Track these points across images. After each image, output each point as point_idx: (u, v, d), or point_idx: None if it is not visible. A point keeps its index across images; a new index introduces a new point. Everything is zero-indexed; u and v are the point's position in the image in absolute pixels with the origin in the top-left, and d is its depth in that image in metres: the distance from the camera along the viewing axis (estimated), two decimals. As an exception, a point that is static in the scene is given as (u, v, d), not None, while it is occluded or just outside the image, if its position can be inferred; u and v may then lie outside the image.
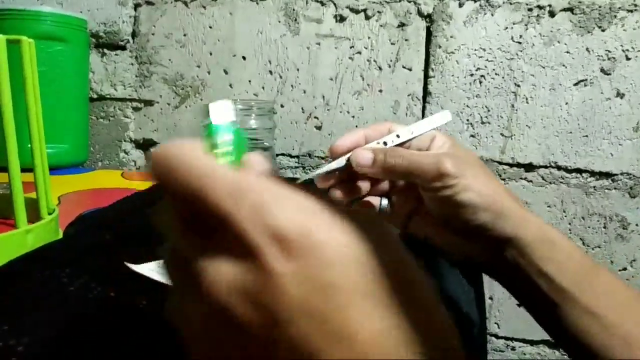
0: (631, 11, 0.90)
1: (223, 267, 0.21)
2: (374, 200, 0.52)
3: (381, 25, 0.98)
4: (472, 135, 0.98)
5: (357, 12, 0.99)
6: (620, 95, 0.92)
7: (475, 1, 0.95)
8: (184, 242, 0.23)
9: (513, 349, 1.04)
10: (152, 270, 0.42)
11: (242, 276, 0.21)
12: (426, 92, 0.99)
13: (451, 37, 0.96)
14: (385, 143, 0.49)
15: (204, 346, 0.22)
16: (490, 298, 1.02)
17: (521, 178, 0.98)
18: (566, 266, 0.44)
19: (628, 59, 0.91)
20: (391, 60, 0.99)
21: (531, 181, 0.98)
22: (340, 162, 0.48)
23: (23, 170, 0.48)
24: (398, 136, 0.49)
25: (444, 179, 0.44)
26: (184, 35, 1.06)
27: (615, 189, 0.95)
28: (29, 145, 0.50)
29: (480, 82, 0.96)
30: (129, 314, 0.35)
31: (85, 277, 0.41)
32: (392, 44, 0.99)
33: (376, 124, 0.50)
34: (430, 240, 0.50)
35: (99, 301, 0.37)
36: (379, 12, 0.98)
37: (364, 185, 0.50)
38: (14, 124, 0.47)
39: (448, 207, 0.45)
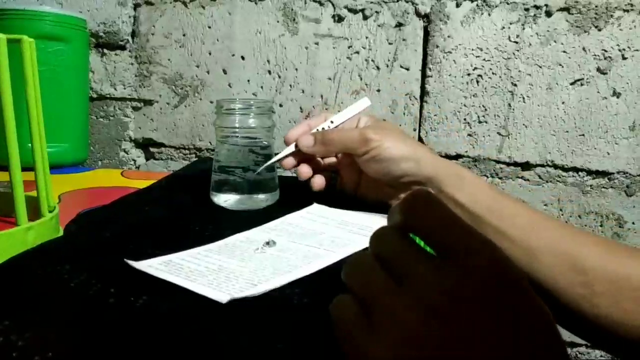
0: (627, 11, 0.90)
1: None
2: (327, 175, 0.67)
3: (379, 25, 0.99)
4: (470, 134, 0.99)
5: (355, 12, 0.99)
6: (616, 94, 0.93)
7: (472, 1, 0.95)
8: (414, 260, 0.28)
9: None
10: (151, 267, 0.42)
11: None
12: (424, 92, 1.00)
13: (448, 36, 0.97)
14: (323, 129, 0.66)
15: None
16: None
17: (518, 177, 0.99)
18: (476, 195, 0.57)
19: (624, 58, 0.91)
20: (389, 60, 1.00)
21: (528, 180, 0.99)
22: (291, 147, 0.65)
23: (23, 169, 0.49)
24: (332, 122, 0.66)
25: (369, 143, 0.60)
26: (183, 35, 1.07)
27: (611, 187, 0.96)
28: (29, 144, 0.50)
29: (478, 82, 0.97)
30: (129, 311, 0.36)
31: (85, 274, 0.41)
32: (389, 43, 0.99)
33: (316, 116, 0.69)
34: (375, 198, 0.65)
35: (99, 298, 0.37)
36: (376, 12, 0.99)
37: (314, 165, 0.66)
38: (15, 123, 0.47)
39: (378, 165, 0.60)
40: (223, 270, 0.42)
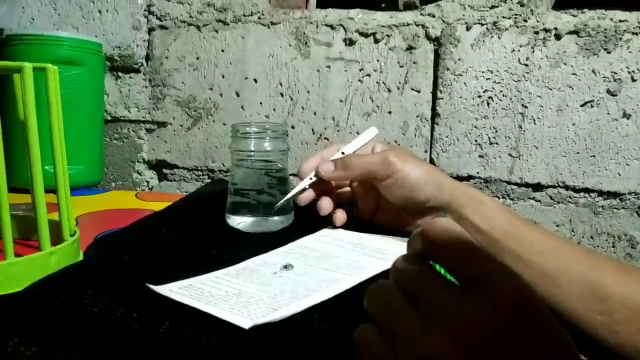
0: (636, 34, 0.91)
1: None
2: (345, 209, 0.66)
3: (390, 49, 1.00)
4: (481, 156, 0.99)
5: (366, 35, 1.01)
6: (626, 115, 0.93)
7: (482, 25, 0.96)
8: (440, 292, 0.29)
9: None
10: (172, 291, 0.42)
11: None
12: (435, 114, 1.01)
13: (459, 59, 0.98)
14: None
15: None
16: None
17: (529, 198, 0.99)
18: (495, 220, 0.56)
19: (634, 80, 0.92)
20: (400, 83, 1.01)
21: (539, 201, 0.99)
22: (307, 180, 0.64)
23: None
24: (343, 153, 0.65)
25: (391, 167, 0.59)
26: (197, 58, 1.08)
27: (623, 208, 0.96)
28: (46, 167, 0.50)
29: (488, 104, 0.98)
30: (152, 337, 0.36)
31: (107, 298, 0.42)
32: (400, 66, 1.00)
33: (327, 148, 0.68)
34: (392, 225, 0.64)
35: (122, 323, 0.38)
36: (387, 35, 1.00)
37: (333, 198, 0.65)
38: (39, 148, 0.49)
39: (400, 190, 0.59)
40: (243, 295, 0.43)
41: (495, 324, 0.26)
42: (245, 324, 0.37)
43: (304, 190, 0.64)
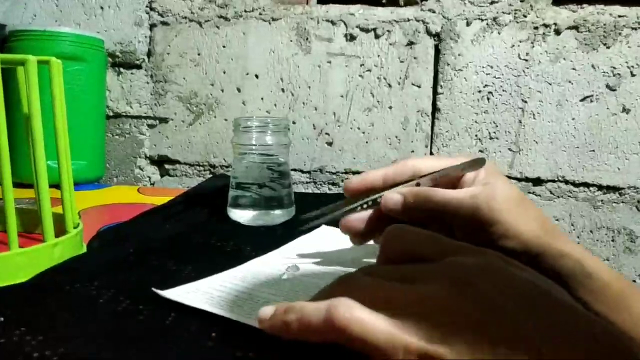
0: (635, 29, 0.92)
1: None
2: None
3: (390, 44, 1.01)
4: (481, 151, 1.00)
5: (367, 31, 1.01)
6: (626, 110, 0.94)
7: (482, 20, 0.97)
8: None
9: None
10: (179, 295, 0.41)
11: None
12: (435, 109, 1.01)
13: (459, 55, 0.98)
14: None
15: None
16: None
17: (529, 192, 1.00)
18: (603, 294, 0.42)
19: (633, 75, 0.93)
20: (400, 78, 1.01)
21: (539, 195, 0.99)
22: (354, 206, 0.48)
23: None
24: (418, 185, 0.47)
25: (481, 227, 0.43)
26: (198, 54, 1.09)
27: (622, 202, 0.96)
28: (49, 162, 0.51)
29: (488, 99, 0.98)
30: (158, 329, 0.36)
31: (112, 290, 0.42)
32: (401, 61, 1.01)
33: (398, 163, 0.48)
34: None
35: (128, 314, 0.38)
36: (388, 31, 1.00)
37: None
38: (43, 143, 0.49)
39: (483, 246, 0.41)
40: (254, 299, 0.42)
41: (481, 262, 0.28)
42: None
43: (352, 210, 0.49)
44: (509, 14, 0.96)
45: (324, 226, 0.59)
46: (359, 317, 0.27)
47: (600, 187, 0.97)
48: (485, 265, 0.27)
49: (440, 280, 0.27)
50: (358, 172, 1.05)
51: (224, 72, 1.08)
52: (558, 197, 0.99)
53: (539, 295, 0.26)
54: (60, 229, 0.52)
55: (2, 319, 0.36)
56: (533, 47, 0.95)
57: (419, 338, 0.26)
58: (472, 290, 0.26)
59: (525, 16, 0.95)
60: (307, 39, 1.04)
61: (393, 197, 0.46)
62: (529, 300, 0.26)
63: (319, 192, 1.07)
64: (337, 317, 0.27)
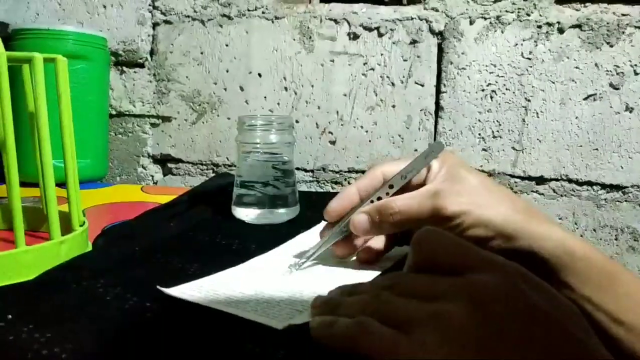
0: (638, 27, 0.91)
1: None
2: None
3: (393, 43, 1.01)
4: (484, 149, 1.00)
5: (370, 30, 1.01)
6: (629, 109, 0.94)
7: (485, 19, 0.97)
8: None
9: None
10: (184, 293, 0.41)
11: None
12: (438, 107, 1.01)
13: (462, 53, 0.98)
14: (379, 198, 0.47)
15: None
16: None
17: (533, 191, 1.00)
18: (587, 275, 0.42)
19: (636, 74, 0.93)
20: (404, 77, 1.01)
21: (543, 194, 0.99)
22: (336, 232, 0.49)
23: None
24: (391, 186, 0.47)
25: (446, 223, 0.43)
26: (201, 53, 1.09)
27: (626, 201, 0.96)
28: (54, 161, 0.51)
29: (492, 97, 0.98)
30: (165, 325, 0.36)
31: (119, 287, 0.42)
32: (404, 60, 1.01)
33: (368, 173, 0.50)
34: None
35: (135, 311, 0.38)
36: (391, 29, 1.00)
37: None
38: (50, 141, 0.49)
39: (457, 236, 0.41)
40: (258, 295, 0.42)
41: (501, 283, 0.28)
42: (278, 324, 0.35)
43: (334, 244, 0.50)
44: (512, 12, 0.96)
45: (324, 222, 0.59)
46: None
47: (603, 186, 0.97)
48: (506, 289, 0.28)
49: (459, 299, 0.28)
50: (361, 171, 1.05)
51: (227, 71, 1.08)
52: (561, 195, 0.99)
53: (552, 325, 0.27)
54: (66, 227, 0.52)
55: (10, 316, 0.36)
56: (536, 45, 0.95)
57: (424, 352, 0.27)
58: (486, 313, 0.27)
59: (528, 15, 0.95)
60: (310, 37, 1.04)
61: (360, 220, 0.47)
62: (540, 329, 0.27)
63: (322, 191, 1.07)
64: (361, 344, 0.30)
